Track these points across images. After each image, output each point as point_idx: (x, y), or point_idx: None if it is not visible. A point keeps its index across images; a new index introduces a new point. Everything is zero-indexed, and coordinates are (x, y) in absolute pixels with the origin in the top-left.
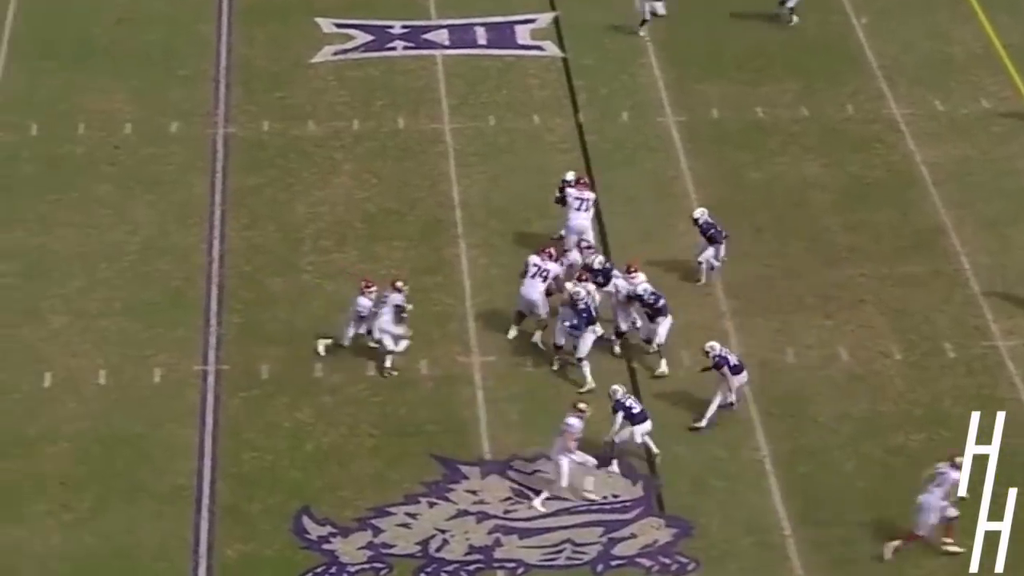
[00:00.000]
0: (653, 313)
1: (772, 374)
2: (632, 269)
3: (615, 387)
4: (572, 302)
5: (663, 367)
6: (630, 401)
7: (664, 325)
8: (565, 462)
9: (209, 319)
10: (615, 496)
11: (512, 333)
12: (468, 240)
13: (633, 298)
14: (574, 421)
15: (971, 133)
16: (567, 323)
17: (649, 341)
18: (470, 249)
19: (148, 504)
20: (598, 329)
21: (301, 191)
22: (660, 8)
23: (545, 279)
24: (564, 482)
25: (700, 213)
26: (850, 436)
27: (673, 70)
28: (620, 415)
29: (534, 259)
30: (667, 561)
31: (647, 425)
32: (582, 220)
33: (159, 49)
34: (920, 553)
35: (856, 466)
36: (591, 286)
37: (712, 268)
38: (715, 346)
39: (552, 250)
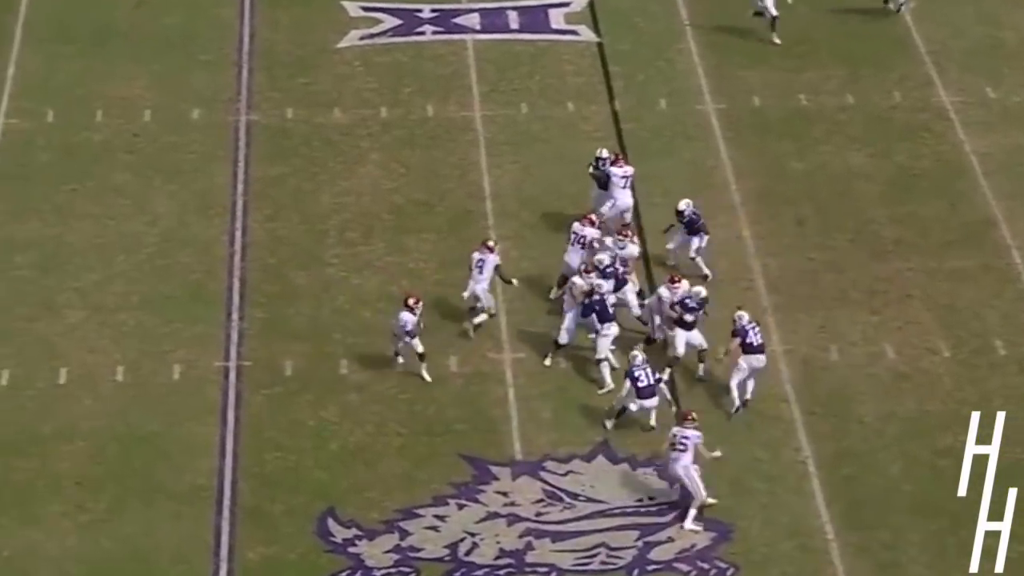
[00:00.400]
0: (689, 323)
1: (815, 372)
2: (676, 279)
3: (635, 353)
4: (589, 294)
5: (701, 371)
6: (640, 372)
7: (696, 333)
8: (695, 474)
9: (231, 313)
10: (651, 499)
11: (554, 293)
12: (499, 232)
13: (675, 307)
14: (693, 432)
15: None
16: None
17: (678, 358)
18: (501, 241)
19: (167, 505)
20: (615, 328)
21: (326, 181)
22: (772, 8)
23: (584, 246)
24: (703, 492)
25: (685, 205)
26: (896, 437)
27: (713, 55)
28: (628, 382)
29: (575, 225)
30: (705, 566)
31: (653, 401)
32: (629, 197)
33: (179, 33)
34: (965, 554)
35: (902, 468)
36: (600, 281)
37: (693, 258)
38: (744, 316)
39: (593, 216)
